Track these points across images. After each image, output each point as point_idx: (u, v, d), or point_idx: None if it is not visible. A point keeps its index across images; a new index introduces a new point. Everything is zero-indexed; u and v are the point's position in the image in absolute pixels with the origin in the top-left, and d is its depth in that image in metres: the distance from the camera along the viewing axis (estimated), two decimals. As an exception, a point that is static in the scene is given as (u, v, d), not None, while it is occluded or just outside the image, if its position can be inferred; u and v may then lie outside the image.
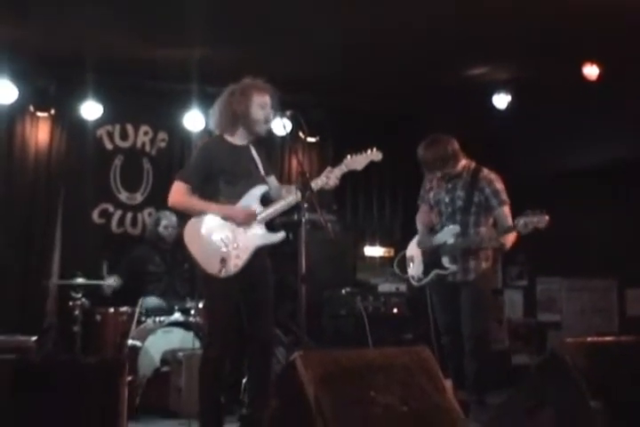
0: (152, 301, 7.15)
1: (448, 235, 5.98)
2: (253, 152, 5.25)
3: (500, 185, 5.95)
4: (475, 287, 5.90)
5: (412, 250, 6.31)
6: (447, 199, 6.06)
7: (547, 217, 5.48)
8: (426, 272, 6.10)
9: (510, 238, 5.85)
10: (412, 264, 6.27)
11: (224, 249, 4.92)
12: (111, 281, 7.23)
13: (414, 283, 6.25)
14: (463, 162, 6.08)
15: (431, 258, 6.07)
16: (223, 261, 4.88)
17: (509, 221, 5.81)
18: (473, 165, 6.09)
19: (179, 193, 5.10)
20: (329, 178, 5.04)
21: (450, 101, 8.42)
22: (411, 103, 8.98)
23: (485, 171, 6.01)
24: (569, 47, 7.13)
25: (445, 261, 5.96)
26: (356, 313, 7.62)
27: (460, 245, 5.90)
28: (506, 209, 5.90)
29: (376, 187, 9.67)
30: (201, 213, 5.02)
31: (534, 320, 9.89)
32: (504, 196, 5.92)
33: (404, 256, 6.38)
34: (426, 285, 6.14)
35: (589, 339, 4.09)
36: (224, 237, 4.96)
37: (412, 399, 3.27)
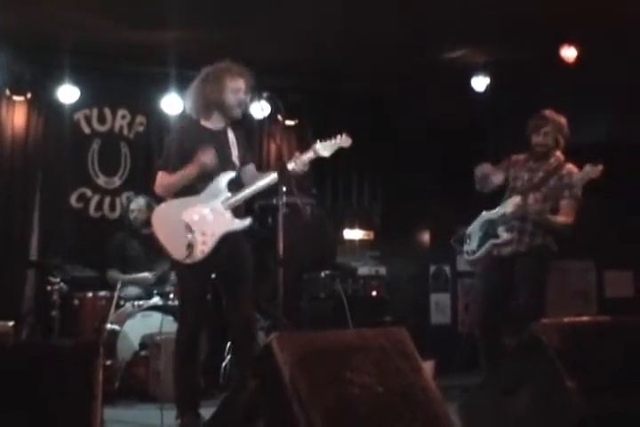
0: (131, 290, 7.15)
1: (509, 205, 5.94)
2: (230, 136, 5.24)
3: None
4: (527, 262, 5.86)
5: (473, 226, 6.25)
6: (526, 177, 6.01)
7: (600, 166, 5.44)
8: (480, 245, 6.07)
9: (561, 219, 5.83)
10: (468, 240, 6.23)
11: (190, 235, 4.93)
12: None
13: (467, 257, 6.22)
14: (557, 153, 6.04)
15: (488, 229, 6.04)
16: (189, 247, 4.91)
17: (570, 217, 5.82)
18: (562, 158, 6.03)
19: (162, 181, 5.14)
20: (297, 164, 5.04)
21: (429, 84, 8.42)
22: (389, 86, 8.97)
23: (571, 165, 5.93)
24: (547, 29, 7.12)
25: (501, 230, 5.92)
26: (336, 296, 7.65)
27: (515, 215, 5.86)
28: (573, 203, 5.84)
29: (355, 170, 9.64)
30: (181, 184, 5.06)
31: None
32: (579, 191, 5.81)
33: (464, 233, 6.32)
34: (476, 260, 6.13)
35: (565, 320, 4.11)
36: (191, 223, 4.98)
37: (388, 380, 3.28)
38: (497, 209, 6.04)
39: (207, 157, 5.00)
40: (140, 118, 8.71)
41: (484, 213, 6.21)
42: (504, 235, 5.90)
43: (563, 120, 6.02)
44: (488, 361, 5.93)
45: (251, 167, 5.36)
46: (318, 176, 8.86)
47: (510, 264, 5.92)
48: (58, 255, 7.10)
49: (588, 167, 5.50)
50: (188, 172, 5.03)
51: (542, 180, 5.92)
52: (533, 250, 5.87)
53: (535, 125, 6.01)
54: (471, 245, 6.18)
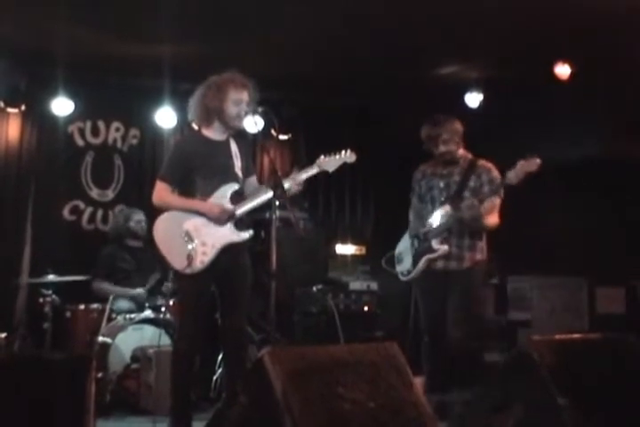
0: (122, 303, 7.14)
1: (438, 217, 5.84)
2: (233, 147, 5.25)
3: (496, 174, 5.80)
4: (467, 277, 5.78)
5: (401, 246, 6.19)
6: (442, 184, 5.92)
7: (537, 160, 5.32)
8: (415, 263, 5.95)
9: (491, 220, 5.76)
10: (400, 260, 6.15)
11: (190, 246, 4.94)
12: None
13: (402, 278, 6.11)
14: (461, 151, 5.97)
15: (420, 246, 5.93)
16: (189, 257, 4.91)
17: (496, 216, 5.77)
18: (470, 155, 6.00)
19: (160, 192, 5.14)
20: (293, 181, 5.04)
21: (422, 100, 8.43)
22: (383, 102, 9.00)
23: (482, 161, 5.93)
24: (541, 46, 7.16)
25: (435, 243, 5.80)
26: (328, 311, 7.65)
27: (448, 224, 5.76)
28: (496, 201, 5.76)
29: (348, 185, 9.66)
30: (181, 210, 5.05)
31: (505, 318, 9.93)
32: (501, 188, 5.74)
33: (393, 254, 6.26)
34: (413, 278, 5.99)
35: (557, 336, 4.12)
36: (192, 232, 4.98)
37: (379, 395, 3.28)
38: (428, 222, 5.90)
39: (216, 213, 5.03)
40: (133, 131, 8.73)
41: (408, 232, 6.14)
42: (440, 247, 5.79)
43: (456, 124, 5.96)
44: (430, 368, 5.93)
45: (253, 179, 5.38)
46: (311, 191, 8.86)
47: (449, 279, 5.81)
48: (50, 267, 7.06)
49: (522, 162, 5.36)
50: (193, 206, 5.06)
51: (462, 183, 5.86)
52: (476, 267, 5.82)
53: (431, 136, 5.92)
54: (404, 265, 6.10)
